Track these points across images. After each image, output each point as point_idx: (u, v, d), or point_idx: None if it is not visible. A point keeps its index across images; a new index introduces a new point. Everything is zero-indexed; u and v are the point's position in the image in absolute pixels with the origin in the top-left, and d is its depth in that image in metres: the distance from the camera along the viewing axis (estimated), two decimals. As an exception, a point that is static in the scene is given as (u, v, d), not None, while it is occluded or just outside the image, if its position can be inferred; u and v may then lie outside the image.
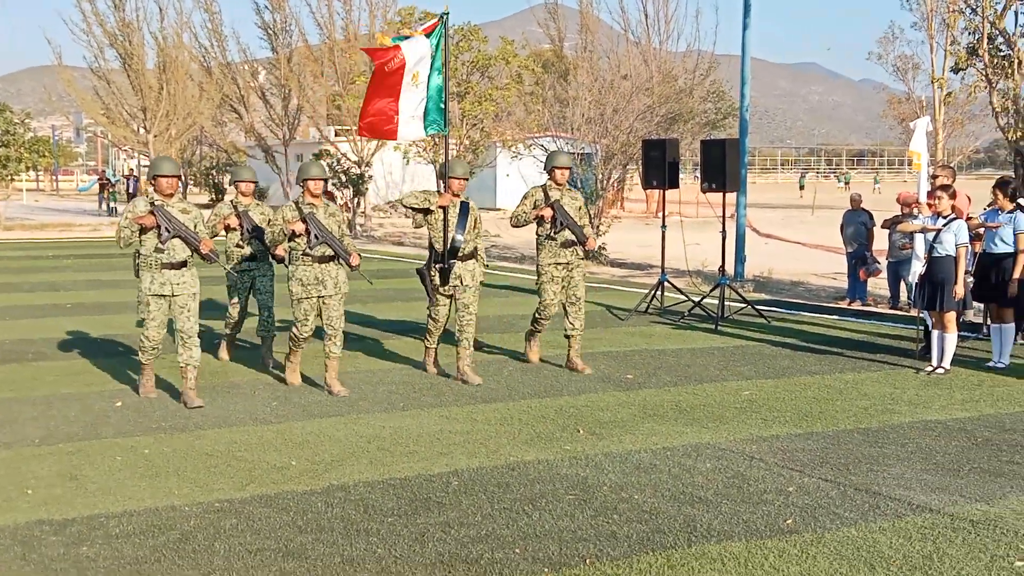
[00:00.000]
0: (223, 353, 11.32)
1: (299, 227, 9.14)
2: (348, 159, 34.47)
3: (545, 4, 42.60)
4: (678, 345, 12.52)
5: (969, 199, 12.77)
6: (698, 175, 17.13)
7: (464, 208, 10.13)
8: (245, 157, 45.98)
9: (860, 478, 7.02)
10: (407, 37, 10.35)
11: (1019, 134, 18.73)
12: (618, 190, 35.54)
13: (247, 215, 10.81)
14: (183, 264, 8.79)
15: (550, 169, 10.65)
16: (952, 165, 23.46)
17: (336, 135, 37.49)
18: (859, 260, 16.45)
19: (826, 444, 7.94)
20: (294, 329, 9.61)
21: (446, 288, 10.08)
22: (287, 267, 9.53)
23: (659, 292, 15.64)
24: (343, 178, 33.72)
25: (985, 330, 12.25)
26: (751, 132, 23.21)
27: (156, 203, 8.58)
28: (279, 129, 42.13)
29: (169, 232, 8.51)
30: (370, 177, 34.81)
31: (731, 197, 16.49)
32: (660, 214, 17.74)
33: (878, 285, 17.04)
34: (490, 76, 30.24)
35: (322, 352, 9.64)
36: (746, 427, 8.44)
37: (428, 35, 10.14)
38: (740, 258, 19.65)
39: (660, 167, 15.97)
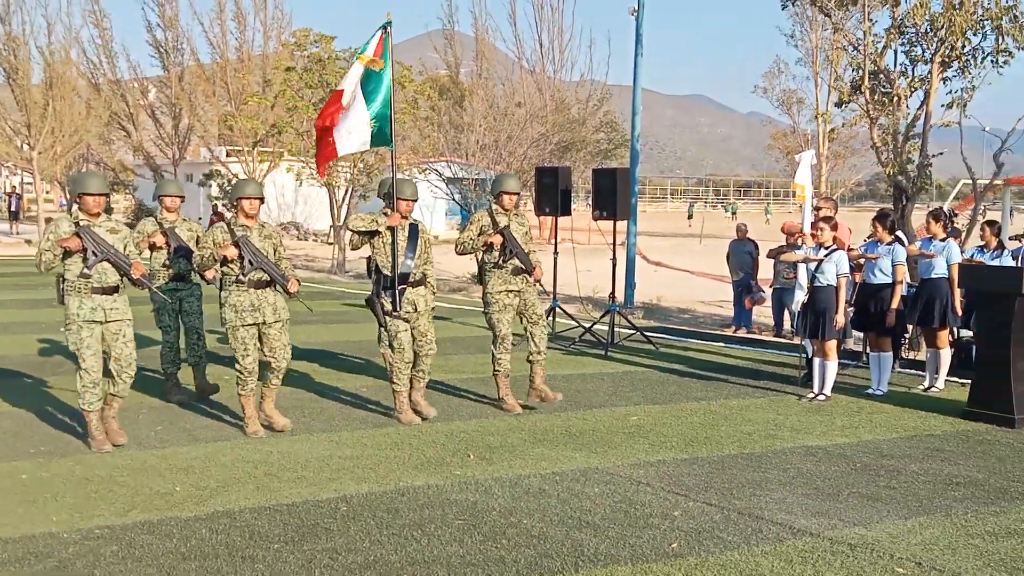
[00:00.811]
0: (175, 396, 10.10)
1: (231, 252, 8.22)
2: (237, 178, 34.10)
3: (442, 30, 42.71)
4: (569, 371, 12.59)
5: (850, 231, 13.17)
6: (590, 203, 17.28)
7: (413, 230, 9.29)
8: (133, 176, 45.15)
9: (743, 502, 7.12)
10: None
11: (897, 168, 19.30)
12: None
13: (174, 232, 9.96)
14: (115, 289, 7.80)
15: (497, 193, 9.94)
16: (834, 197, 24.13)
17: (227, 155, 37.05)
18: (744, 288, 16.78)
19: (711, 469, 8.05)
20: (236, 365, 8.63)
21: (401, 311, 9.12)
22: (219, 292, 8.66)
23: (551, 318, 15.71)
24: (231, 199, 33.34)
25: (864, 358, 12.56)
26: (642, 161, 23.51)
27: (81, 223, 7.60)
28: (169, 148, 41.57)
29: (97, 256, 7.51)
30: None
31: (621, 225, 16.61)
32: (552, 240, 17.86)
33: (762, 313, 17.39)
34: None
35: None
36: (633, 452, 8.52)
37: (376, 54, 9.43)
38: (630, 284, 19.85)
39: (553, 194, 16.12)
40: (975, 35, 19.26)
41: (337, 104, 9.28)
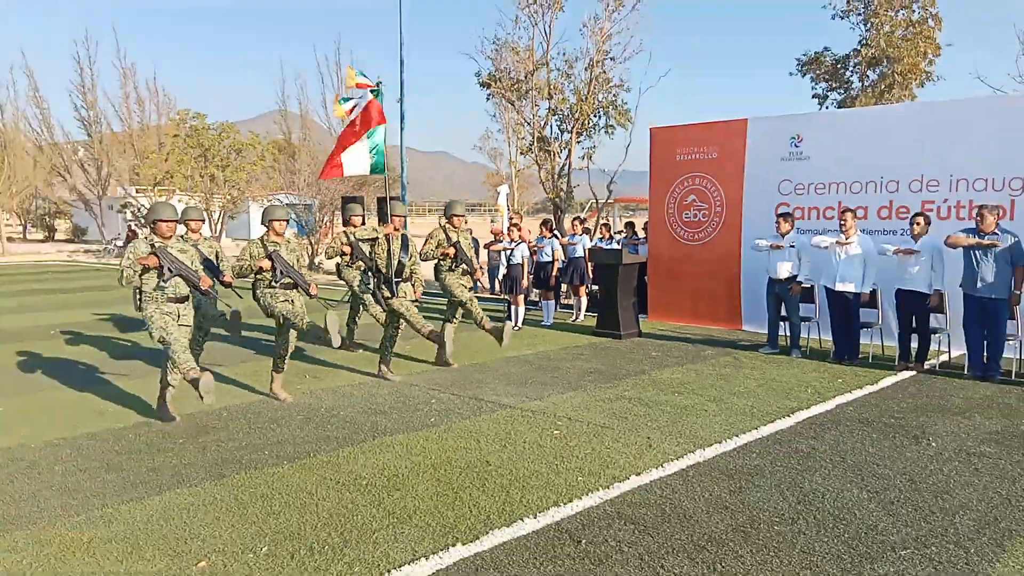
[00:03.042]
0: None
1: (266, 264, 6.86)
2: (146, 208, 31.86)
3: (279, 110, 41.18)
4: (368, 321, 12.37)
5: (529, 231, 13.57)
6: (376, 217, 16.97)
7: (404, 240, 7.94)
8: (71, 208, 41.41)
9: (472, 391, 7.24)
10: (348, 99, 8.28)
11: (555, 194, 20.08)
12: (329, 227, 34.94)
13: (198, 250, 7.38)
14: (186, 298, 6.34)
15: (449, 216, 8.51)
16: (521, 211, 24.64)
17: (137, 191, 34.32)
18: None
19: (455, 373, 8.13)
20: (296, 322, 6.85)
21: (398, 295, 7.81)
22: (254, 294, 7.04)
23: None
24: (143, 221, 31.32)
25: (539, 303, 13.07)
26: (409, 192, 23.67)
27: (156, 245, 6.14)
28: (94, 188, 38.11)
29: (171, 271, 6.12)
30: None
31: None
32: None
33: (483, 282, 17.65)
34: (243, 156, 28.77)
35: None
36: (407, 367, 8.52)
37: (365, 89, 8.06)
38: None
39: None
40: (596, 116, 20.20)
41: (352, 136, 7.93)
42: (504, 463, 5.14)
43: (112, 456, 5.39)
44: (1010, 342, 7.87)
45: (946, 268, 8.05)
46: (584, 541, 3.94)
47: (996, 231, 7.61)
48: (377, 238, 7.81)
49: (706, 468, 5.06)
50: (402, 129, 20.89)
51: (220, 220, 28.55)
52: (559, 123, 20.73)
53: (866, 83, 26.45)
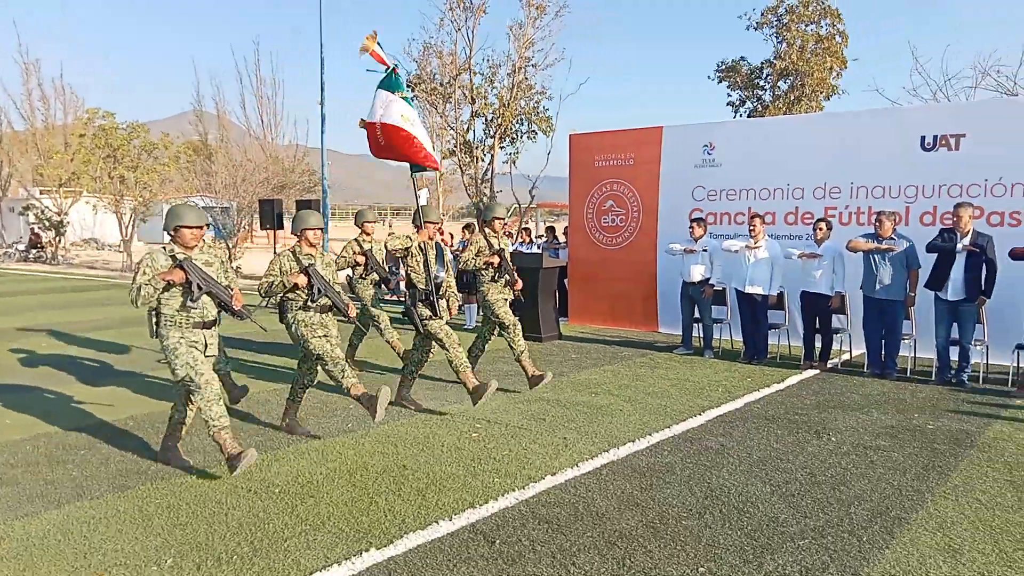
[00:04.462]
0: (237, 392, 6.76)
1: (301, 280, 5.62)
2: (51, 210, 30.35)
3: (194, 109, 39.81)
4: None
5: (452, 235, 13.58)
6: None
7: (439, 249, 6.82)
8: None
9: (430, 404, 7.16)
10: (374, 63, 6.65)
11: (478, 199, 20.15)
12: (248, 230, 34.10)
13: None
14: (214, 323, 5.00)
15: (490, 219, 7.52)
16: (444, 215, 24.56)
17: (41, 193, 32.56)
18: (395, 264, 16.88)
19: (378, 379, 7.94)
20: (327, 366, 5.57)
21: (439, 316, 6.60)
22: (282, 318, 5.78)
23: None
24: (47, 223, 29.91)
25: (462, 307, 13.05)
26: (331, 195, 23.40)
27: (179, 256, 4.87)
28: (-6, 188, 36.16)
29: (201, 288, 4.84)
30: (68, 223, 31.00)
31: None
32: (273, 244, 17.27)
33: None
34: (155, 156, 27.77)
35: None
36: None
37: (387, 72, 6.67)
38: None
39: (271, 216, 15.85)
40: (518, 123, 20.34)
41: (409, 137, 6.64)
42: (421, 467, 5.13)
43: (6, 470, 5.12)
44: (905, 341, 8.32)
45: (847, 271, 8.45)
46: (498, 541, 3.97)
47: (893, 236, 8.04)
48: (410, 248, 6.57)
49: (619, 467, 5.17)
50: (323, 131, 20.67)
51: (131, 223, 27.50)
52: (483, 128, 20.81)
53: (777, 93, 27.52)
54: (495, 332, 7.71)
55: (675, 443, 5.72)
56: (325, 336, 5.74)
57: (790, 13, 26.83)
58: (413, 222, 6.85)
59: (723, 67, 28.79)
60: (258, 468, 5.10)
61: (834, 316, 8.64)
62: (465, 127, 20.70)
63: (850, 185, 9.59)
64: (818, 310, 8.53)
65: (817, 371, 8.47)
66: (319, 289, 5.64)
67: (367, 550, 3.86)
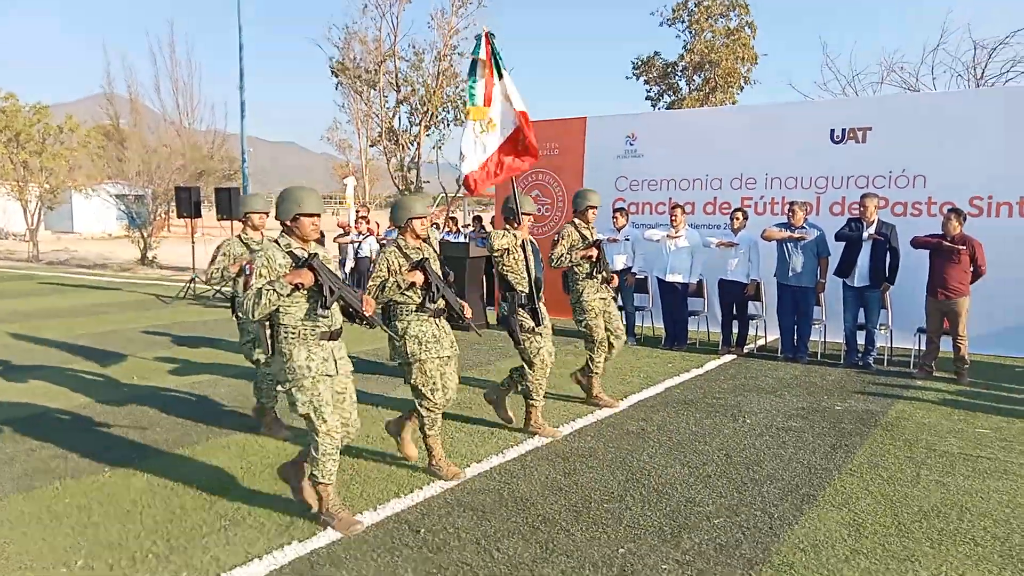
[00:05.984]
0: (280, 432, 5.70)
1: (419, 278, 4.63)
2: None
3: (104, 93, 38.02)
4: (206, 318, 11.86)
5: (378, 224, 13.42)
6: (215, 209, 16.13)
7: (533, 246, 5.78)
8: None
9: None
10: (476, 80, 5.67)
11: (404, 186, 19.96)
12: (165, 218, 32.81)
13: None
14: (340, 332, 4.05)
15: (585, 208, 6.40)
16: (370, 204, 24.29)
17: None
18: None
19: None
20: (423, 403, 4.74)
21: (539, 327, 5.64)
22: (387, 324, 4.79)
23: (192, 285, 14.69)
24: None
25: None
26: (252, 183, 22.76)
27: (296, 251, 3.90)
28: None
29: (333, 293, 3.83)
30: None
31: (237, 223, 15.90)
32: (191, 234, 16.70)
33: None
34: (62, 141, 26.40)
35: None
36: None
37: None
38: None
39: (188, 204, 15.33)
40: (444, 110, 20.24)
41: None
42: (345, 459, 5.08)
43: (-100, 473, 4.83)
44: (816, 326, 8.68)
45: (762, 260, 8.75)
46: (423, 530, 3.97)
47: (805, 225, 8.37)
48: (509, 248, 5.61)
49: (544, 452, 5.24)
50: (243, 117, 20.13)
51: (37, 211, 26.14)
52: (408, 115, 20.63)
53: (692, 87, 28.18)
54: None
55: (598, 428, 5.83)
56: (438, 358, 4.78)
57: (700, 7, 27.52)
58: (504, 218, 5.84)
59: (639, 64, 29.30)
60: (174, 465, 4.95)
61: (750, 303, 8.94)
62: (391, 114, 20.48)
63: (765, 176, 9.91)
64: (734, 297, 8.81)
65: (734, 356, 8.75)
66: (436, 287, 4.69)
67: (289, 543, 3.81)
